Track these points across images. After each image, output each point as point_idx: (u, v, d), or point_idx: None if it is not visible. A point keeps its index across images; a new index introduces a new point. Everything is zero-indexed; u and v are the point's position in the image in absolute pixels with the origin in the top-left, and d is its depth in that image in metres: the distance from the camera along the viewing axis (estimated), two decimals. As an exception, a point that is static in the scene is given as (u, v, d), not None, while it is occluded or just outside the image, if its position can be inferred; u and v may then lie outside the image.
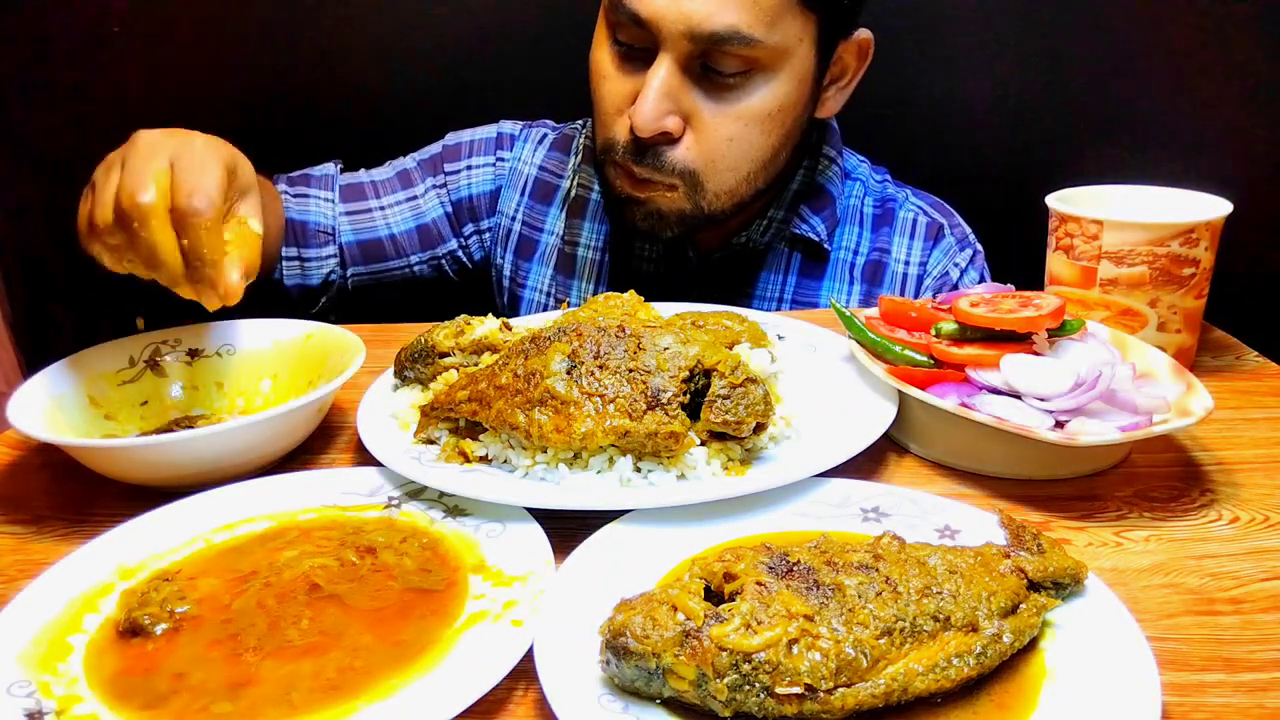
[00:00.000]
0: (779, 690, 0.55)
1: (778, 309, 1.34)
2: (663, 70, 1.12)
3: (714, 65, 1.13)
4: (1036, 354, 0.89)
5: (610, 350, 0.82)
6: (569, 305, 1.11)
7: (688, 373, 0.81)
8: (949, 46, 1.61)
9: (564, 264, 1.39)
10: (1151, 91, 1.59)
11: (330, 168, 1.41)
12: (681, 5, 1.08)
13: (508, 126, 1.46)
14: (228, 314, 1.05)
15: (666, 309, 1.04)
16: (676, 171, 1.17)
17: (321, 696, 0.59)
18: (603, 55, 1.20)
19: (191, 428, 0.86)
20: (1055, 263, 1.05)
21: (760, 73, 1.14)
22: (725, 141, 1.17)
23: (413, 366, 0.97)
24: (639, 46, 1.15)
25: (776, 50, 1.13)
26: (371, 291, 1.42)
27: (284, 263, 1.35)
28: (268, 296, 1.32)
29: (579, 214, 1.38)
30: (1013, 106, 1.63)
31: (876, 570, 0.62)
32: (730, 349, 0.90)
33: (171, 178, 0.83)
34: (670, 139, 1.16)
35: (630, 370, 0.81)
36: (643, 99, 1.12)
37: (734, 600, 0.59)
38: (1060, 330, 0.91)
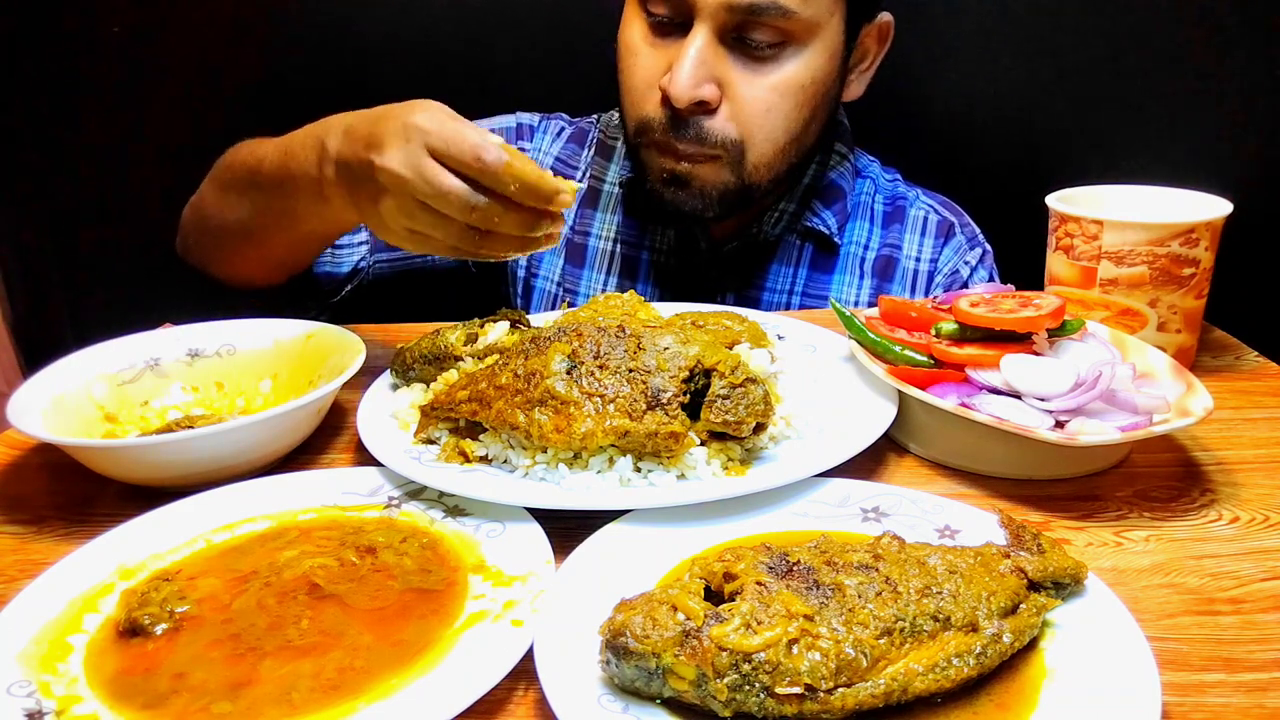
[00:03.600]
0: (779, 690, 0.55)
1: (788, 301, 1.35)
2: (699, 39, 1.12)
3: (748, 36, 1.14)
4: (1036, 354, 0.89)
5: (610, 350, 0.82)
6: (569, 304, 1.11)
7: (688, 373, 0.81)
8: (949, 47, 1.61)
9: (575, 255, 1.40)
10: (1151, 91, 1.59)
11: None
12: None
13: (525, 117, 1.46)
14: (231, 312, 1.06)
15: (666, 309, 1.04)
16: (718, 141, 1.18)
17: (321, 696, 0.59)
18: (633, 33, 1.20)
19: (191, 428, 0.86)
20: (1055, 263, 1.05)
21: (793, 45, 1.16)
22: (763, 112, 1.18)
23: (423, 368, 0.97)
24: (673, 20, 1.16)
25: (809, 23, 1.15)
26: (385, 283, 1.41)
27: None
28: (280, 289, 1.30)
29: (591, 204, 1.39)
30: (1013, 106, 1.63)
31: (876, 570, 0.61)
32: (730, 349, 0.90)
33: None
34: (708, 109, 1.16)
35: (630, 370, 0.81)
36: (678, 67, 1.13)
37: (734, 600, 0.59)
38: (1060, 330, 0.91)
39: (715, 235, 1.35)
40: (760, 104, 1.17)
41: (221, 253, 1.26)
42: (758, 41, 1.14)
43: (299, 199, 1.06)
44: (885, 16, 1.27)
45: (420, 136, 0.87)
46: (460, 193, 0.87)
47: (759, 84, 1.16)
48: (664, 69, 1.17)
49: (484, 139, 0.87)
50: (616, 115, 1.35)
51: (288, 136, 1.10)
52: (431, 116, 0.89)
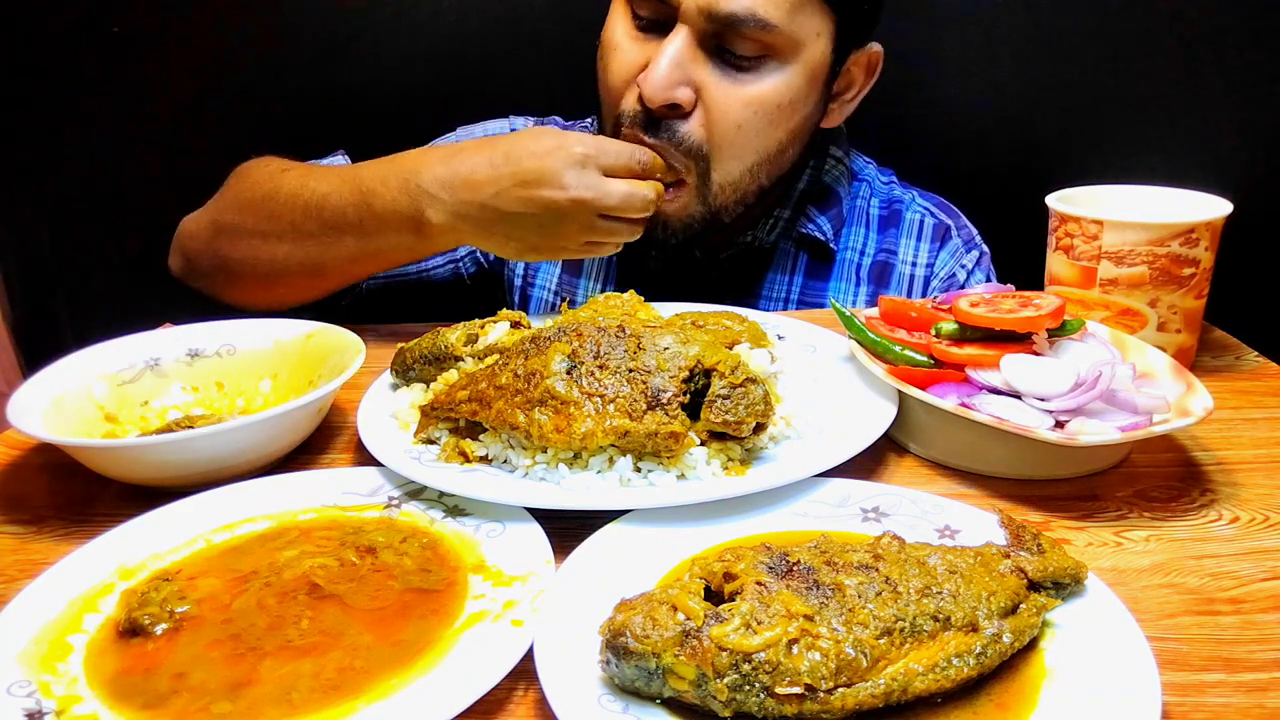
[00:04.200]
0: (779, 690, 0.55)
1: (784, 309, 1.34)
2: (678, 40, 1.11)
3: (729, 46, 1.13)
4: (1036, 354, 0.89)
5: (610, 350, 0.82)
6: (569, 305, 1.11)
7: (688, 373, 0.81)
8: (949, 47, 1.61)
9: (571, 263, 1.39)
10: (1151, 91, 1.59)
11: (341, 160, 1.37)
12: None
13: (519, 122, 1.45)
14: (231, 313, 1.06)
15: (666, 309, 1.04)
16: (686, 148, 1.15)
17: (321, 696, 0.59)
18: (615, 29, 1.20)
19: (191, 428, 0.86)
20: (1055, 263, 1.05)
21: (774, 59, 1.14)
22: (734, 128, 1.16)
23: (423, 368, 0.97)
24: (657, 19, 1.15)
25: (792, 40, 1.13)
26: (381, 296, 1.40)
27: None
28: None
29: None
30: (1013, 106, 1.63)
31: (876, 570, 0.61)
32: (730, 349, 0.90)
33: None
34: (680, 113, 1.14)
35: (630, 370, 0.81)
36: (654, 66, 1.12)
37: (734, 600, 0.59)
38: (1060, 330, 0.91)
39: (710, 244, 1.34)
40: (733, 116, 1.15)
41: (255, 286, 1.23)
42: (738, 52, 1.13)
43: (389, 236, 1.12)
44: (875, 47, 1.25)
45: (591, 161, 1.05)
46: (639, 192, 1.06)
47: (734, 94, 1.14)
48: (641, 66, 1.15)
49: (630, 147, 1.08)
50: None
51: (351, 173, 1.14)
52: (586, 143, 1.06)
